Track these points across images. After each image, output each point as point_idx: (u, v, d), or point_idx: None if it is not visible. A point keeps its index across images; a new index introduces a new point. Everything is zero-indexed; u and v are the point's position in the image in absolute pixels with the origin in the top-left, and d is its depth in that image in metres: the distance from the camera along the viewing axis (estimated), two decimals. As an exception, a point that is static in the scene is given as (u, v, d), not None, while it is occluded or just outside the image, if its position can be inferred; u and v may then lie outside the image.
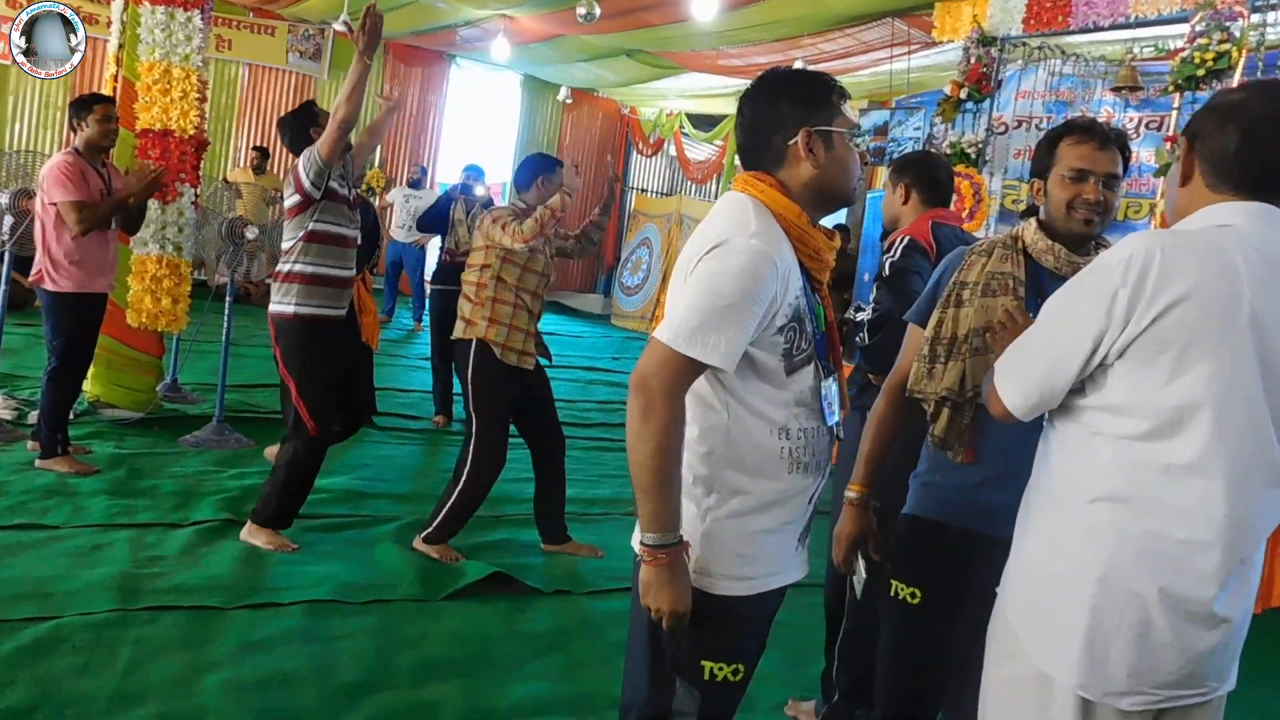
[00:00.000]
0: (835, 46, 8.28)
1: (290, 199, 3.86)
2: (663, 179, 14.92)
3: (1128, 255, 1.47)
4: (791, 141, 1.73)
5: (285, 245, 3.91)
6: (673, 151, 14.22)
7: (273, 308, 3.91)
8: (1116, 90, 5.29)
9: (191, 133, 5.44)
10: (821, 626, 3.08)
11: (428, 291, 8.25)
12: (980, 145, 5.65)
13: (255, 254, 5.59)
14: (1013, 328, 1.79)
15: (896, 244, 2.82)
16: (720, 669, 1.74)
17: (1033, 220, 2.14)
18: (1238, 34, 4.47)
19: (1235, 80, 4.40)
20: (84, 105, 4.63)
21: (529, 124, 13.80)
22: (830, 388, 1.80)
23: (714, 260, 1.64)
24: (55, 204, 4.46)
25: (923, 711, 2.22)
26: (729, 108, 11.78)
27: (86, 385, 5.24)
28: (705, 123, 13.40)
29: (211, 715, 2.69)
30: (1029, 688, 1.58)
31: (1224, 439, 1.44)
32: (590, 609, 3.71)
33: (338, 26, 9.50)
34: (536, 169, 4.09)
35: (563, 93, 13.46)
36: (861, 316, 2.83)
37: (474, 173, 7.38)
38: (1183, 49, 4.67)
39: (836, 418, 1.83)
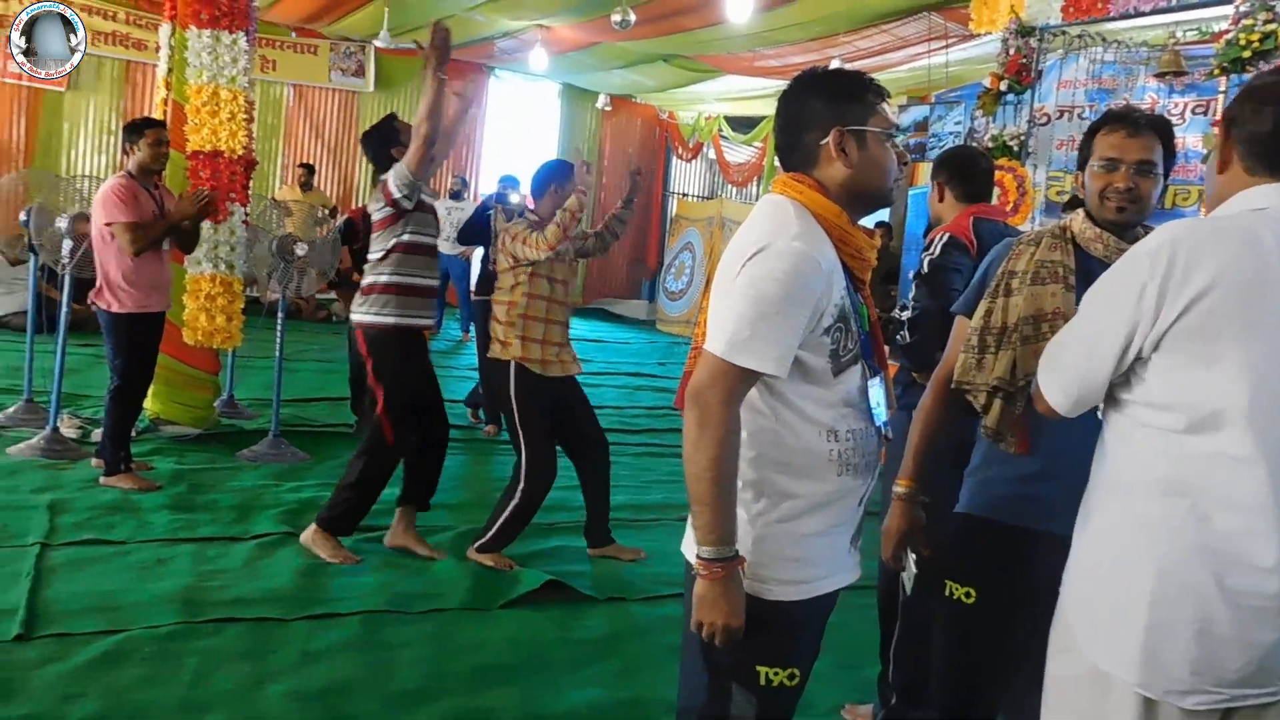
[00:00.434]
0: (872, 43, 8.24)
1: (380, 212, 3.90)
2: (703, 183, 14.93)
3: (1154, 247, 1.46)
4: (824, 141, 1.73)
5: (373, 257, 3.95)
6: (712, 155, 14.22)
7: (364, 318, 3.94)
8: (1160, 76, 5.20)
9: (240, 153, 5.56)
10: (875, 629, 3.07)
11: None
12: (1022, 137, 5.58)
13: (305, 270, 5.69)
14: None
15: (936, 241, 2.80)
16: (775, 674, 1.74)
17: (1081, 210, 2.13)
18: (1285, 13, 4.38)
19: (1284, 61, 4.31)
20: (136, 129, 4.76)
21: (569, 132, 13.88)
22: (877, 388, 1.80)
23: (758, 266, 1.64)
24: (109, 225, 4.58)
25: (980, 711, 2.20)
26: (767, 109, 11.76)
27: (147, 403, 5.37)
28: (744, 125, 13.38)
29: (276, 724, 2.75)
30: (1087, 686, 1.56)
31: (1263, 428, 1.42)
32: (643, 615, 3.73)
33: (379, 43, 9.64)
34: (550, 177, 4.09)
35: (601, 100, 13.51)
36: (904, 316, 2.83)
37: (509, 182, 7.44)
38: (1227, 31, 4.58)
39: (884, 418, 1.82)
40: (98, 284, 4.67)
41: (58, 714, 2.68)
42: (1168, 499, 1.48)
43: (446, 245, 10.10)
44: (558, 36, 10.01)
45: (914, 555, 2.19)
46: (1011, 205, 5.34)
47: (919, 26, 7.51)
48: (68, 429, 5.26)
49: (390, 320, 3.90)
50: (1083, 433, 1.72)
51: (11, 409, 5.54)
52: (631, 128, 14.48)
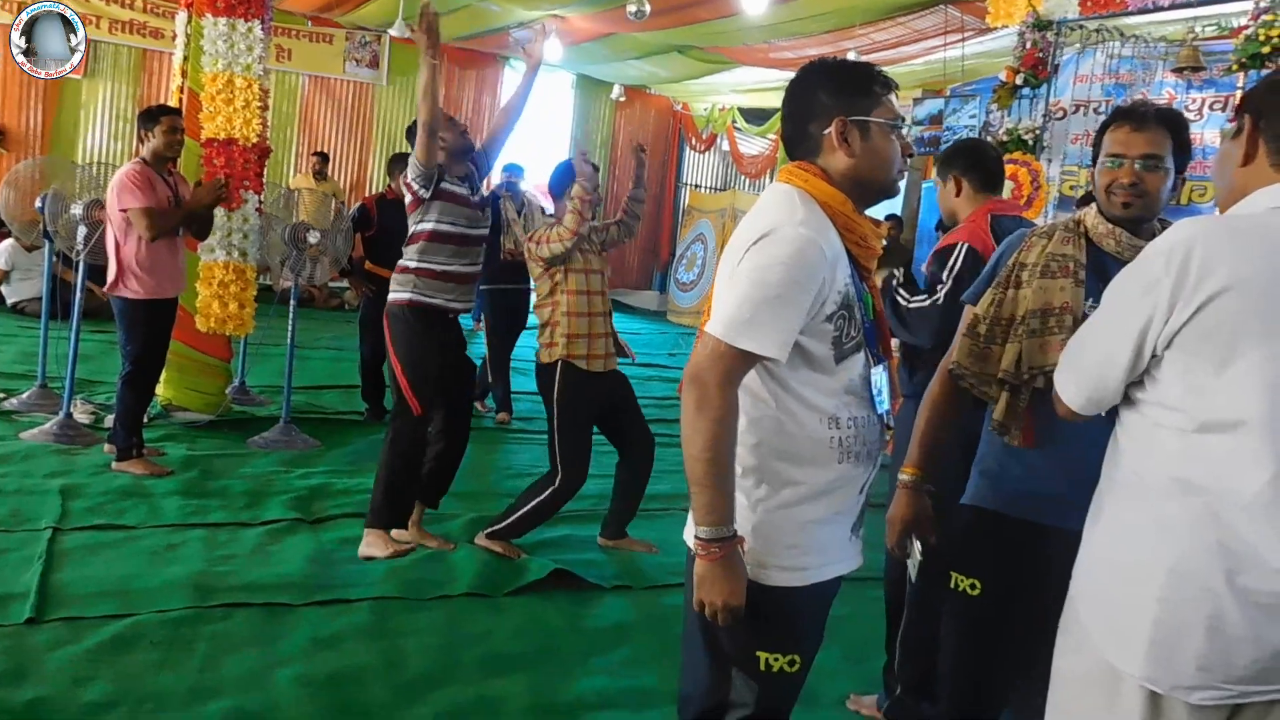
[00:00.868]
0: (888, 36, 8.20)
1: (407, 198, 3.96)
2: (716, 174, 14.88)
3: (1169, 245, 1.45)
4: (826, 131, 1.73)
5: (407, 241, 4.01)
6: (726, 146, 14.17)
7: (389, 297, 4.00)
8: (1178, 71, 5.17)
9: (255, 141, 5.57)
10: (882, 620, 3.07)
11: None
12: (1037, 131, 5.56)
13: (317, 258, 5.71)
14: None
15: (957, 252, 2.77)
16: (776, 660, 1.75)
17: (1093, 205, 2.12)
18: (1305, 9, 4.35)
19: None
20: (151, 117, 4.78)
21: (583, 123, 13.85)
22: (880, 376, 1.80)
23: (761, 251, 1.65)
24: (125, 211, 4.60)
25: (987, 703, 2.20)
26: (781, 101, 11.72)
27: (159, 389, 5.40)
28: (758, 117, 13.32)
29: (284, 709, 2.77)
30: (1096, 681, 1.56)
31: (1278, 429, 1.41)
32: (651, 604, 3.74)
33: (393, 32, 9.64)
34: (567, 178, 4.04)
35: (616, 91, 13.49)
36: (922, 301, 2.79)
37: (513, 170, 7.44)
38: (1246, 26, 4.55)
39: (886, 406, 1.83)
40: (112, 273, 4.69)
41: (68, 697, 2.70)
42: (1181, 498, 1.47)
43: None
44: (572, 27, 9.99)
45: (919, 543, 2.19)
46: (1025, 199, 5.32)
47: (935, 19, 7.47)
48: (81, 414, 5.29)
49: (406, 296, 3.93)
50: (1093, 429, 1.72)
51: (26, 394, 5.58)
52: (645, 119, 14.44)
